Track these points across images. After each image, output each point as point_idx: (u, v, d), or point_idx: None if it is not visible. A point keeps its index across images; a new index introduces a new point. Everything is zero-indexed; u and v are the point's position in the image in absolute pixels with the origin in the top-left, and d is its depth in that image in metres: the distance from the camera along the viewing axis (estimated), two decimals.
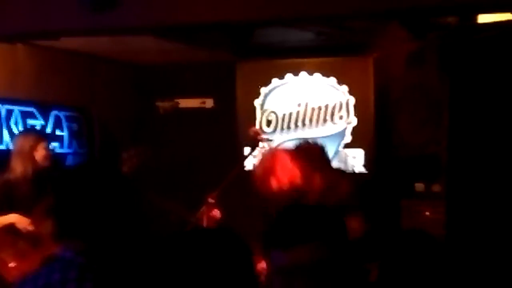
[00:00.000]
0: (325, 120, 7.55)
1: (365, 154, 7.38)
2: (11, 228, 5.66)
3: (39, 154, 5.82)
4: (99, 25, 5.34)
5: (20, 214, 5.67)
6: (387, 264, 2.93)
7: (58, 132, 7.50)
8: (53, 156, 6.07)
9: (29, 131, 6.58)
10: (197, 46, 7.27)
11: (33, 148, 5.80)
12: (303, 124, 7.63)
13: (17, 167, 5.77)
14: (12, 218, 5.65)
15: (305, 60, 7.66)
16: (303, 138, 7.47)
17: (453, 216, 6.55)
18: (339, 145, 7.48)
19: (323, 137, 7.52)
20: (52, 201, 5.65)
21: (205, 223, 5.37)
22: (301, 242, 2.10)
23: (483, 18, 6.20)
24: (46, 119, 7.36)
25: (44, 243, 5.68)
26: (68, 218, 2.35)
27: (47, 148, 5.94)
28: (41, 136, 6.13)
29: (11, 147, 6.67)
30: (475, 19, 6.26)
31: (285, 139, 7.70)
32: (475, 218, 6.43)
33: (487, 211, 6.34)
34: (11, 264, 5.65)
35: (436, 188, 6.95)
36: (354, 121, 7.43)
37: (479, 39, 6.28)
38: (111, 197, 2.34)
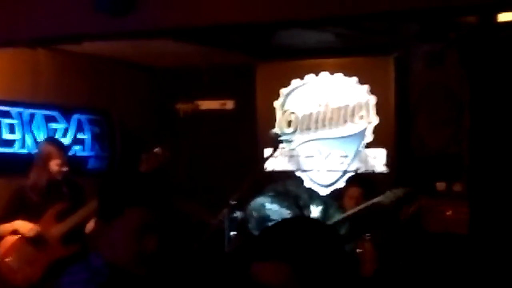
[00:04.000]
0: (345, 120, 7.53)
1: (386, 154, 7.36)
2: (16, 234, 5.73)
3: (54, 163, 5.85)
4: (119, 29, 5.36)
5: (30, 220, 5.73)
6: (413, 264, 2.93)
7: (80, 135, 7.55)
8: (70, 164, 6.09)
9: (50, 140, 6.61)
10: (217, 48, 7.28)
11: (49, 158, 5.84)
12: (324, 125, 7.61)
13: (35, 175, 5.86)
14: (16, 224, 5.72)
15: (325, 60, 7.65)
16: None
17: (476, 216, 6.51)
18: (359, 145, 7.46)
19: (343, 137, 7.52)
20: (63, 207, 5.72)
21: (226, 225, 5.38)
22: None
23: (504, 17, 6.16)
24: (68, 123, 7.41)
25: (51, 248, 5.73)
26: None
27: (63, 158, 5.95)
28: (59, 145, 6.16)
29: (33, 151, 6.74)
30: (496, 18, 6.22)
31: (305, 140, 7.70)
32: (498, 218, 6.39)
33: (509, 211, 6.30)
34: (8, 259, 5.69)
35: (458, 187, 6.92)
36: (374, 121, 7.40)
37: (500, 38, 6.24)
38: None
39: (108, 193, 2.42)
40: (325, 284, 2.12)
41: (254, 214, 5.22)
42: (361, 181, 6.39)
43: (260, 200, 5.29)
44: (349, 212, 5.98)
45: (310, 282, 2.10)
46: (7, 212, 5.77)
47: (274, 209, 4.97)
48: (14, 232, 5.73)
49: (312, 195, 6.21)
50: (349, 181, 6.61)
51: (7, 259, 5.71)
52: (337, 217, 5.90)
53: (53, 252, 5.73)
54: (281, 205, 5.06)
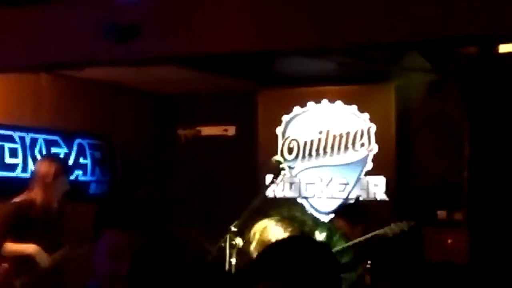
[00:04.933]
0: (346, 148, 7.56)
1: (387, 182, 7.37)
2: (27, 258, 5.61)
3: (60, 183, 5.79)
4: (123, 55, 5.39)
5: (29, 240, 5.61)
6: None
7: (81, 160, 7.56)
8: (71, 189, 6.05)
9: (52, 157, 6.57)
10: (219, 75, 7.32)
11: (55, 177, 5.73)
12: (325, 152, 7.64)
13: (36, 193, 5.69)
14: (32, 249, 5.60)
15: (327, 88, 7.69)
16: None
17: (476, 245, 6.52)
18: (360, 172, 7.48)
19: (344, 164, 7.54)
20: (59, 232, 5.61)
21: (227, 252, 5.37)
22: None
23: (504, 48, 6.20)
24: (69, 147, 7.43)
25: (47, 277, 5.69)
26: None
27: (68, 178, 5.94)
28: (65, 164, 6.14)
29: None
30: (497, 49, 6.26)
31: (307, 166, 7.72)
32: (498, 247, 6.40)
33: (510, 240, 6.31)
34: (5, 265, 5.64)
35: (458, 216, 6.93)
36: (375, 148, 7.42)
37: (500, 68, 6.28)
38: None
39: (95, 215, 2.41)
40: None
41: (257, 236, 5.21)
42: (346, 212, 6.33)
43: (264, 223, 5.28)
44: (354, 241, 5.98)
45: None
46: (7, 229, 5.60)
47: (278, 234, 4.96)
48: (27, 256, 5.58)
49: (317, 222, 6.22)
50: (335, 213, 6.55)
51: (14, 283, 5.63)
52: (340, 244, 5.90)
53: (48, 281, 5.69)
54: (285, 230, 5.05)
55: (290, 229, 5.14)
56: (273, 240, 4.86)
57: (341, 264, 5.59)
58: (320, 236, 5.91)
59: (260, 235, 5.14)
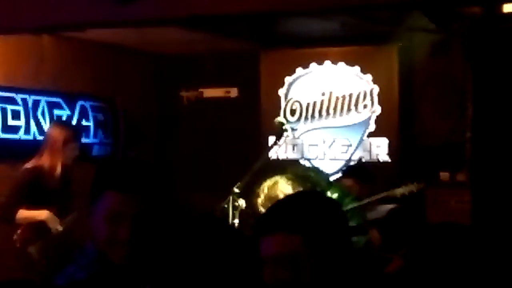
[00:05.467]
0: (349, 109, 7.55)
1: (389, 143, 7.37)
2: (40, 224, 5.64)
3: (71, 149, 5.78)
4: (124, 17, 5.36)
5: (44, 207, 5.65)
6: (413, 256, 2.94)
7: (84, 122, 7.56)
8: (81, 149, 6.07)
9: (64, 123, 6.58)
10: (221, 36, 7.28)
11: (66, 142, 5.73)
12: (327, 113, 7.63)
13: (45, 158, 5.71)
14: (44, 215, 5.61)
15: (329, 49, 7.66)
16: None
17: (479, 205, 6.53)
18: (363, 134, 7.48)
19: (347, 126, 7.54)
20: (67, 197, 5.61)
21: (230, 213, 5.39)
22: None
23: (508, 8, 6.15)
24: (72, 109, 7.43)
25: (63, 243, 5.72)
26: None
27: (79, 143, 5.94)
28: (76, 130, 6.13)
29: (38, 137, 6.74)
30: (500, 8, 6.21)
31: (309, 128, 7.71)
32: (501, 207, 6.41)
33: None
34: (18, 231, 5.67)
35: (461, 177, 6.94)
36: (378, 110, 7.41)
37: (504, 28, 6.24)
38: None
39: (93, 177, 2.37)
40: (334, 250, 2.16)
41: (265, 191, 5.20)
42: (355, 172, 6.39)
43: (275, 179, 5.27)
44: (364, 201, 5.99)
45: (320, 249, 2.13)
46: (21, 196, 5.62)
47: (287, 191, 4.95)
48: (40, 222, 5.61)
49: (331, 183, 6.19)
50: (344, 172, 6.63)
51: (28, 249, 5.67)
52: (351, 204, 5.90)
53: (61, 245, 5.72)
54: (295, 189, 5.04)
55: (300, 188, 5.14)
56: (281, 196, 4.86)
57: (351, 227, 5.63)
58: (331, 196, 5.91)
59: (269, 190, 5.14)
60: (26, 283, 5.67)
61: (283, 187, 5.11)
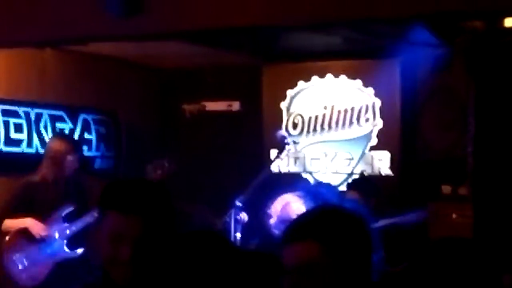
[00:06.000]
0: (351, 123, 7.55)
1: (391, 157, 7.37)
2: (25, 232, 5.66)
3: (70, 161, 5.83)
4: (127, 31, 5.38)
5: (39, 218, 5.68)
6: (416, 270, 2.94)
7: (86, 136, 7.58)
8: (82, 162, 6.10)
9: (63, 136, 6.62)
10: (224, 50, 7.30)
11: (65, 154, 5.80)
12: (329, 127, 7.64)
13: (46, 171, 5.79)
14: (27, 222, 5.65)
15: (331, 62, 7.67)
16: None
17: (481, 219, 6.53)
18: (365, 147, 7.48)
19: (349, 139, 7.54)
20: (70, 208, 5.64)
21: (232, 226, 5.39)
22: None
23: (510, 22, 6.17)
24: (74, 123, 7.44)
25: (57, 250, 5.72)
26: None
27: (78, 156, 5.97)
28: (75, 142, 6.17)
29: (40, 150, 6.75)
30: (502, 23, 6.23)
31: (311, 142, 7.72)
32: (502, 221, 6.41)
33: None
34: (14, 257, 5.67)
35: (463, 191, 6.94)
36: (380, 123, 7.42)
37: (506, 42, 6.26)
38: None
39: (100, 195, 2.39)
40: (355, 263, 2.16)
41: (278, 212, 5.19)
42: (360, 186, 6.40)
43: (286, 198, 5.26)
44: (380, 223, 5.98)
45: (341, 260, 2.13)
46: (14, 207, 5.68)
47: (300, 211, 4.93)
48: (23, 229, 5.66)
49: (343, 200, 6.16)
50: (349, 186, 6.68)
51: (14, 257, 5.69)
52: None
53: (58, 254, 5.73)
54: (307, 207, 5.02)
55: (312, 206, 5.12)
56: (294, 217, 4.83)
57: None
58: None
59: (282, 211, 5.13)
60: None
61: (295, 206, 5.10)
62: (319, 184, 6.88)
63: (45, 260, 5.71)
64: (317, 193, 5.54)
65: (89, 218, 5.68)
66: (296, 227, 2.22)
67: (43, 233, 5.66)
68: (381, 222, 5.97)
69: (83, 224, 5.73)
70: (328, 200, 5.70)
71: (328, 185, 6.72)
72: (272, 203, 5.29)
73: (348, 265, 2.15)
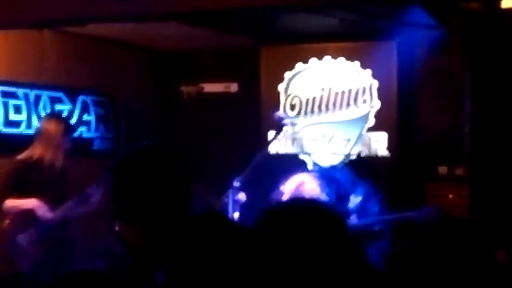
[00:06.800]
0: (348, 104, 7.58)
1: (388, 138, 7.40)
2: (29, 213, 5.62)
3: (63, 142, 5.81)
4: (125, 12, 5.39)
5: (34, 197, 5.62)
6: (413, 249, 2.98)
7: (85, 117, 7.60)
8: (76, 145, 6.08)
9: (56, 116, 6.61)
10: (222, 31, 7.31)
11: (58, 134, 5.79)
12: (327, 108, 7.66)
13: (40, 151, 5.74)
14: (33, 203, 5.62)
15: (329, 44, 7.68)
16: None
17: (477, 200, 6.58)
18: (362, 128, 7.51)
19: (346, 120, 7.57)
20: (62, 189, 5.62)
21: (230, 207, 5.43)
22: None
23: (507, 3, 6.19)
24: (73, 104, 7.47)
25: (53, 232, 5.73)
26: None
27: (71, 136, 5.99)
28: (68, 123, 6.18)
29: None
30: (499, 4, 6.25)
31: (309, 123, 7.75)
32: (499, 201, 6.45)
33: (510, 195, 6.36)
34: (7, 221, 5.68)
35: (459, 171, 6.98)
36: (377, 105, 7.44)
37: (503, 24, 6.28)
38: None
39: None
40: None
41: (292, 189, 5.20)
42: (357, 166, 6.40)
43: (301, 178, 5.27)
44: (390, 217, 5.94)
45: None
46: (10, 187, 5.65)
47: (312, 192, 4.95)
48: (28, 211, 5.63)
49: (356, 185, 6.09)
50: (346, 167, 6.65)
51: (18, 237, 5.68)
52: (374, 210, 5.86)
53: (53, 236, 5.74)
54: (321, 189, 5.03)
55: (327, 189, 5.12)
56: (307, 196, 4.83)
57: (373, 232, 5.63)
58: (354, 200, 5.88)
59: (295, 190, 5.14)
60: (14, 278, 5.69)
61: (310, 187, 5.11)
62: (333, 168, 6.87)
63: (43, 242, 5.70)
64: (332, 178, 5.55)
65: (67, 207, 5.68)
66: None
67: (48, 216, 5.65)
68: (393, 216, 5.92)
69: (71, 210, 5.70)
70: (342, 184, 5.71)
71: (343, 169, 6.73)
72: (285, 181, 5.29)
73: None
